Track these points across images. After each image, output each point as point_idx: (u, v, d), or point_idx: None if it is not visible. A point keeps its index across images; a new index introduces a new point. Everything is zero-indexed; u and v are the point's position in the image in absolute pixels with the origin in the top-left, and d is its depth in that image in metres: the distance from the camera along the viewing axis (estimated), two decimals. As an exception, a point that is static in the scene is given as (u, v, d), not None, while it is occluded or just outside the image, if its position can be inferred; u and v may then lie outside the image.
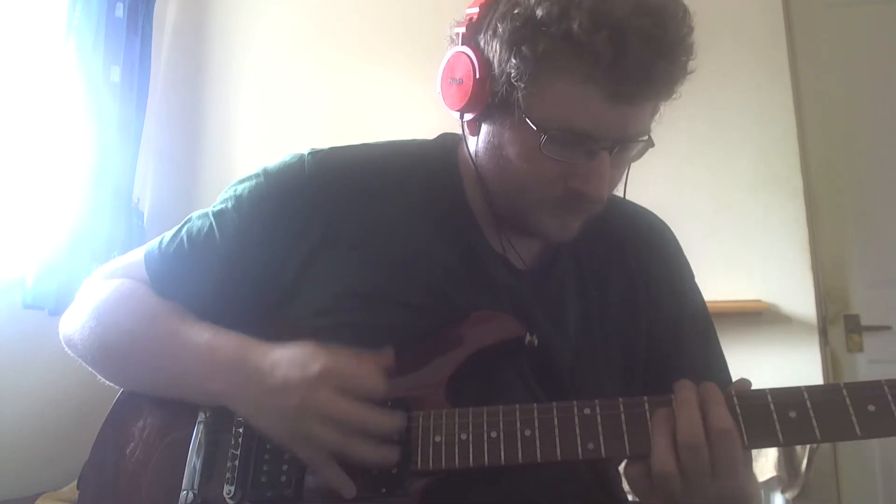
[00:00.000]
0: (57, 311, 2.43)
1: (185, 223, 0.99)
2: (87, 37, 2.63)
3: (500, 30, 0.81)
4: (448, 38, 0.91)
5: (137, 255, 1.01)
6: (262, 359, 0.84)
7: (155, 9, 2.98)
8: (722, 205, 2.62)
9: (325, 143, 1.01)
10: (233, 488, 0.84)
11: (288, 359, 0.82)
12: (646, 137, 0.86)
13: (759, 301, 2.52)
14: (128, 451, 0.93)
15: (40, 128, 2.55)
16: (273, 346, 0.85)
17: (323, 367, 0.79)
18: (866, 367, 2.58)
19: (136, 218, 2.88)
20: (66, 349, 1.00)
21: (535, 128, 0.81)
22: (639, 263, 1.01)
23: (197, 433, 0.89)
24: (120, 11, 2.76)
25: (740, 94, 2.54)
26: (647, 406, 0.77)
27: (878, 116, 2.68)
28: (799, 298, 2.53)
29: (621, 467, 1.03)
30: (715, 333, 1.04)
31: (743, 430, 0.73)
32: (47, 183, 2.53)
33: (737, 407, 0.74)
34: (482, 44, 0.85)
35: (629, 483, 0.77)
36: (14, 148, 2.56)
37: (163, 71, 3.20)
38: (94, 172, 2.63)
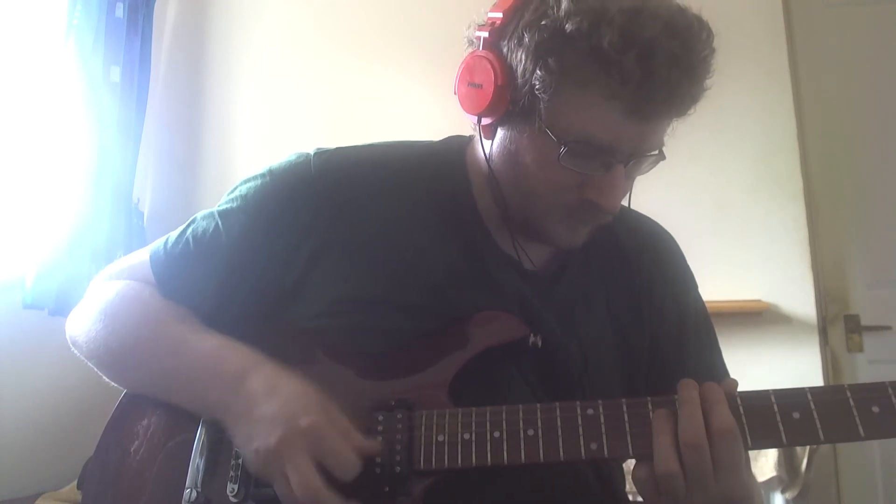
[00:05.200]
0: (57, 311, 2.44)
1: (190, 224, 0.99)
2: (87, 37, 2.63)
3: (527, 39, 0.81)
4: (466, 40, 0.91)
5: (143, 256, 1.01)
6: (260, 383, 0.83)
7: (155, 9, 2.98)
8: (722, 205, 2.63)
9: (325, 142, 1.01)
10: (236, 486, 0.84)
11: (285, 395, 0.81)
12: (657, 151, 0.87)
13: (759, 301, 2.52)
14: (132, 449, 0.93)
15: (40, 128, 2.55)
16: (278, 370, 0.84)
17: (309, 426, 0.77)
18: (866, 367, 2.59)
19: (136, 218, 2.87)
20: (73, 349, 1.00)
21: (554, 139, 0.82)
22: (643, 272, 1.01)
23: (200, 432, 0.89)
24: (120, 11, 2.76)
25: (740, 94, 2.54)
26: (650, 406, 0.77)
27: (878, 116, 2.69)
28: (799, 298, 2.54)
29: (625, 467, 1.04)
30: (717, 343, 1.05)
31: (746, 430, 0.73)
32: (47, 183, 2.53)
33: (740, 407, 0.75)
34: (505, 51, 0.85)
35: (636, 486, 0.77)
36: (14, 148, 2.55)
37: (163, 71, 3.20)
38: (94, 172, 2.63)
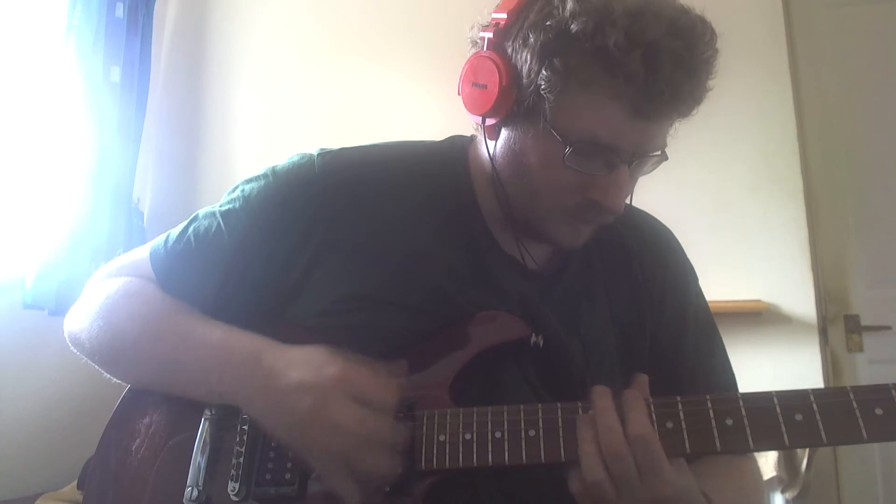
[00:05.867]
0: (57, 311, 2.44)
1: (192, 221, 0.99)
2: (87, 37, 2.63)
3: (532, 40, 0.81)
4: (469, 41, 0.91)
5: (143, 253, 1.01)
6: (276, 359, 0.83)
7: (155, 9, 2.99)
8: (722, 205, 2.63)
9: (325, 142, 1.01)
10: (237, 485, 0.84)
11: (304, 360, 0.81)
12: (660, 152, 0.87)
13: (759, 301, 2.52)
14: (133, 448, 0.93)
15: (40, 128, 2.55)
16: (288, 346, 0.85)
17: (337, 373, 0.78)
18: (866, 367, 2.58)
19: (136, 218, 2.88)
20: (72, 347, 0.99)
21: (559, 139, 0.82)
22: (644, 270, 1.01)
23: (202, 431, 0.89)
24: (120, 11, 2.76)
25: (740, 94, 2.54)
26: (652, 408, 0.77)
27: (878, 116, 2.68)
28: (799, 298, 2.53)
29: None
30: (719, 338, 1.05)
31: (748, 432, 0.73)
32: (47, 183, 2.53)
33: (742, 409, 0.74)
34: (510, 51, 0.85)
35: (576, 498, 0.77)
36: (14, 148, 2.55)
37: (163, 71, 3.20)
38: (94, 172, 2.63)
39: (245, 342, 0.87)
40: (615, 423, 0.74)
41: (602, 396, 0.77)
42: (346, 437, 0.76)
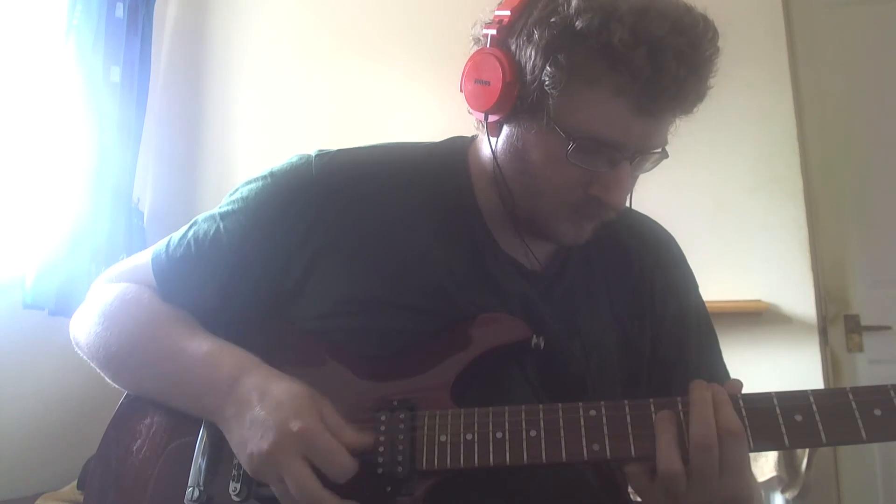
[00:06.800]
0: (57, 312, 2.44)
1: (192, 226, 0.99)
2: (87, 37, 2.63)
3: (536, 36, 0.82)
4: (472, 38, 0.91)
5: (144, 258, 1.01)
6: (252, 386, 0.83)
7: (155, 9, 2.99)
8: (722, 205, 2.63)
9: (325, 143, 1.01)
10: (238, 485, 0.84)
11: (277, 398, 0.80)
12: (661, 149, 0.88)
13: (759, 301, 2.52)
14: (134, 448, 0.93)
15: (40, 128, 2.55)
16: (270, 374, 0.84)
17: (299, 430, 0.77)
18: (866, 368, 2.58)
19: (136, 218, 2.87)
20: (76, 350, 1.00)
21: (563, 135, 0.82)
22: (644, 273, 1.02)
23: (203, 431, 0.89)
24: (120, 11, 2.76)
25: (740, 94, 2.54)
26: (652, 408, 0.77)
27: (878, 116, 2.68)
28: (799, 298, 2.53)
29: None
30: (717, 343, 1.05)
31: (749, 432, 0.74)
32: (47, 183, 2.53)
33: (742, 409, 0.75)
34: (513, 48, 0.85)
35: (629, 479, 0.77)
36: (14, 148, 2.55)
37: (163, 71, 3.20)
38: (94, 172, 2.63)
39: (226, 363, 0.87)
40: (710, 415, 0.74)
41: (700, 388, 0.77)
42: (286, 495, 0.77)
